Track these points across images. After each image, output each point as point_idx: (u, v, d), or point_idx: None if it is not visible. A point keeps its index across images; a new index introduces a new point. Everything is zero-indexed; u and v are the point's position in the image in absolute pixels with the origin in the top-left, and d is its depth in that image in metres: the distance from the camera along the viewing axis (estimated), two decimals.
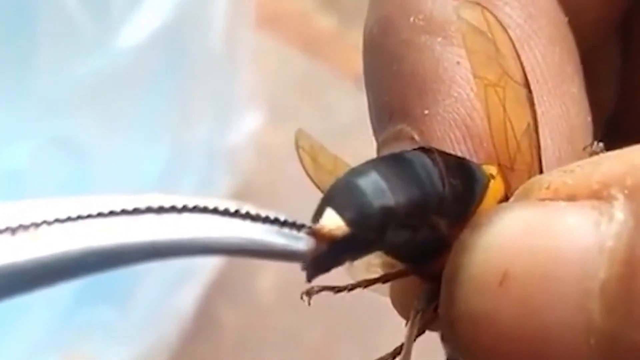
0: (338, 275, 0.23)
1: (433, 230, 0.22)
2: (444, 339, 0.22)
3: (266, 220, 0.20)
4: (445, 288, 0.21)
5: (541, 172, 0.23)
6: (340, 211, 0.21)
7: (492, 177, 0.23)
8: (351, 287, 0.25)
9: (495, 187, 0.23)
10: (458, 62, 0.24)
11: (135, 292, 0.79)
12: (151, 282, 0.80)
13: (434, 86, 0.25)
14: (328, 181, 0.23)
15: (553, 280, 0.20)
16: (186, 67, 0.79)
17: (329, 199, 0.21)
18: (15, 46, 0.67)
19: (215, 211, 0.20)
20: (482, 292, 0.20)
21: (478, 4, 0.23)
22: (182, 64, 0.78)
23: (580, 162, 0.22)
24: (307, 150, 0.26)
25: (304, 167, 0.26)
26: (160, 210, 0.19)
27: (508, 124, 0.23)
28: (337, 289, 0.25)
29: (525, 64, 0.24)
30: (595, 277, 0.20)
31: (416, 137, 0.25)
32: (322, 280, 0.22)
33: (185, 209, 0.20)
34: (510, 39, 0.23)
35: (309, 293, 0.24)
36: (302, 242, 0.20)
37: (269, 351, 0.92)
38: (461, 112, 0.25)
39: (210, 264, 0.87)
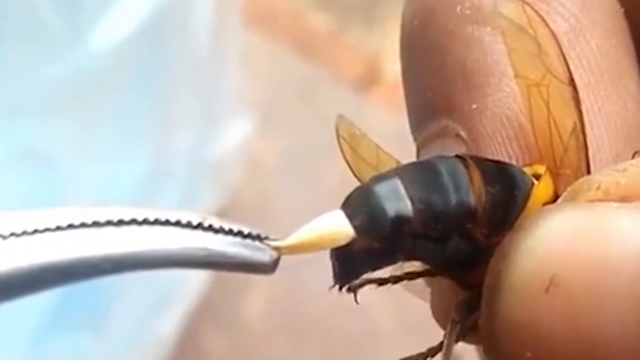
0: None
1: (468, 240, 0.23)
2: (485, 351, 0.22)
3: (229, 232, 0.22)
4: (487, 297, 0.22)
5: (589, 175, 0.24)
6: (350, 217, 0.22)
7: (537, 180, 0.24)
8: (395, 280, 0.25)
9: (541, 192, 0.24)
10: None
11: (112, 317, 0.79)
12: (130, 306, 0.80)
13: (482, 79, 0.25)
14: (369, 175, 0.24)
15: (604, 286, 0.20)
16: (168, 70, 0.79)
17: (345, 205, 0.22)
18: None
19: (177, 224, 0.21)
20: (526, 300, 0.21)
21: None
22: (164, 67, 0.78)
23: (634, 161, 0.22)
24: (347, 140, 0.26)
25: (344, 158, 0.26)
26: (121, 223, 0.21)
27: (553, 125, 0.24)
28: (380, 282, 0.25)
29: (580, 56, 0.25)
30: None
31: (463, 134, 0.25)
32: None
33: (146, 222, 0.21)
34: (553, 34, 0.23)
35: (352, 288, 0.25)
36: (265, 254, 0.22)
37: None
38: (513, 107, 0.25)
39: (195, 286, 0.88)
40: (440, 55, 0.26)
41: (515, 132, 0.25)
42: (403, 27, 0.27)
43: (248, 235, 0.22)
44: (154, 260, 0.21)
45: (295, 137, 1.00)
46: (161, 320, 0.84)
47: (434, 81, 0.26)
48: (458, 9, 0.26)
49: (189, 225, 0.22)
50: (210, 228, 0.22)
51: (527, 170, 0.24)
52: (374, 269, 0.23)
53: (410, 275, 0.25)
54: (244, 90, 0.91)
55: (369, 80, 1.08)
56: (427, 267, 0.25)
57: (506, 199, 0.23)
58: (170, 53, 0.78)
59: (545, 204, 0.23)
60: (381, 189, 0.22)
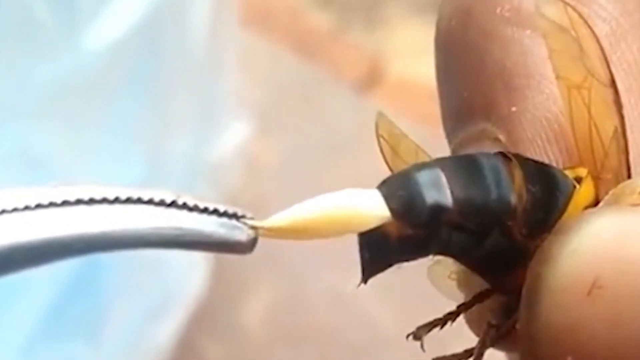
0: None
1: (507, 239, 0.23)
2: (523, 357, 0.23)
3: (204, 210, 0.22)
4: (526, 301, 0.22)
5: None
6: (387, 199, 0.22)
7: (578, 183, 0.24)
8: (455, 317, 0.26)
9: (583, 195, 0.24)
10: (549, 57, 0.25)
11: (107, 324, 0.78)
12: (125, 312, 0.80)
13: (522, 81, 0.26)
14: None
15: None
16: (164, 71, 0.79)
17: (382, 186, 0.23)
18: None
19: (150, 202, 0.21)
20: (567, 303, 0.21)
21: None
22: (160, 68, 0.78)
23: None
24: (386, 139, 0.27)
25: (384, 158, 0.27)
26: (91, 202, 0.21)
27: (594, 129, 0.24)
28: (442, 323, 0.25)
29: (621, 60, 0.25)
30: None
31: (501, 137, 0.26)
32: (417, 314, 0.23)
33: (117, 200, 0.21)
34: (596, 37, 0.24)
35: (417, 335, 0.25)
36: (242, 233, 0.22)
37: None
38: (553, 110, 0.25)
39: (192, 292, 0.87)
40: (478, 57, 0.26)
41: (555, 135, 0.25)
42: (439, 27, 0.27)
43: (224, 214, 0.22)
44: (126, 240, 0.21)
45: (295, 139, 1.00)
46: (158, 328, 0.83)
47: (472, 83, 0.26)
48: (497, 10, 0.26)
49: (162, 203, 0.21)
50: (184, 206, 0.22)
51: (569, 173, 0.25)
52: (403, 260, 0.23)
53: (465, 306, 0.25)
54: (243, 92, 0.90)
55: (370, 81, 1.08)
56: (475, 293, 0.25)
57: (547, 199, 0.24)
58: (166, 53, 0.78)
59: (586, 207, 0.24)
60: (422, 176, 0.23)
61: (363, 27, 1.12)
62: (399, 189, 0.23)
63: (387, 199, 0.22)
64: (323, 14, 1.11)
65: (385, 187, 0.23)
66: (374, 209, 0.22)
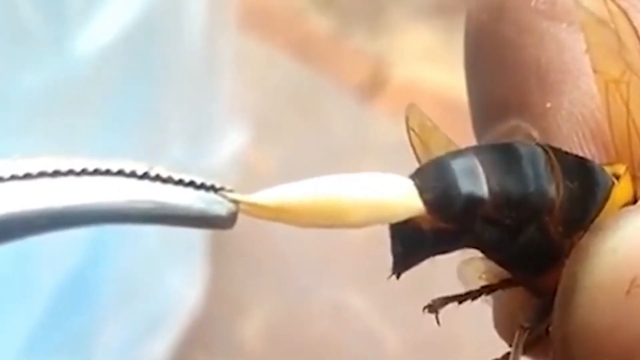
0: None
1: (543, 235, 0.23)
2: None
3: (179, 182, 0.21)
4: (561, 300, 0.22)
5: None
6: (421, 190, 0.22)
7: (617, 180, 0.24)
8: (475, 296, 0.26)
9: (621, 192, 0.24)
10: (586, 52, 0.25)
11: (99, 341, 0.78)
12: (116, 328, 0.79)
13: (558, 77, 0.26)
14: None
15: None
16: (157, 77, 0.79)
17: (416, 176, 0.23)
18: None
19: (120, 174, 0.21)
20: (605, 303, 0.21)
21: None
22: (153, 74, 0.78)
23: None
24: (417, 132, 0.27)
25: (414, 151, 0.27)
26: (56, 174, 0.20)
27: (632, 125, 0.24)
28: (461, 299, 0.25)
29: None
30: None
31: (535, 134, 0.25)
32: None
33: (85, 172, 0.20)
34: (636, 30, 0.24)
35: (433, 308, 0.25)
36: (222, 207, 0.21)
37: None
38: (590, 106, 0.25)
39: (188, 306, 0.87)
40: (511, 52, 0.26)
41: (592, 132, 0.25)
42: (469, 21, 0.27)
43: (202, 186, 0.21)
44: (93, 215, 0.20)
45: (294, 148, 1.00)
46: (153, 343, 0.84)
47: (504, 79, 0.26)
48: (532, 3, 0.26)
49: (133, 175, 0.21)
50: (157, 178, 0.21)
51: (607, 169, 0.25)
52: (437, 253, 0.23)
53: (489, 288, 0.25)
54: (239, 98, 0.90)
55: (373, 87, 1.08)
56: (501, 279, 0.25)
57: (585, 195, 0.24)
58: (160, 59, 0.78)
59: (624, 205, 0.24)
60: (457, 165, 0.23)
61: (365, 31, 1.12)
62: (433, 179, 0.22)
63: (421, 191, 0.22)
64: (324, 18, 1.11)
65: (420, 178, 0.22)
66: (406, 201, 0.22)
